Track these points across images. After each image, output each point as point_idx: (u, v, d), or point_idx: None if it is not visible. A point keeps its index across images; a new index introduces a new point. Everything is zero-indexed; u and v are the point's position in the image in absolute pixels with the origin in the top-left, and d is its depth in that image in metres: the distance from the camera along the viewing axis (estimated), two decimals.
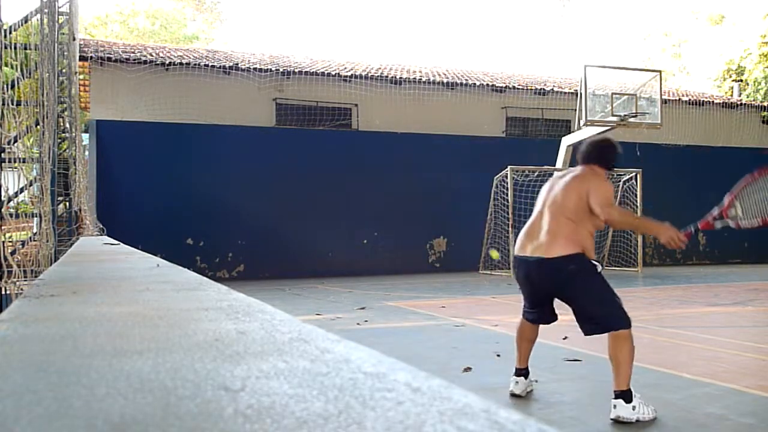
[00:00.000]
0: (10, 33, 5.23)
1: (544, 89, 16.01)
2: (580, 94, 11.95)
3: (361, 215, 13.58)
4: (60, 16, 7.56)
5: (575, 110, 12.47)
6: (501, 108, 15.91)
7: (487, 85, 15.65)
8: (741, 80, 22.80)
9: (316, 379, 0.54)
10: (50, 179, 4.91)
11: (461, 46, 50.52)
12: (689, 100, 17.37)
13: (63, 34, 8.00)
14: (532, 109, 16.01)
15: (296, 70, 14.23)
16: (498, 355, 4.89)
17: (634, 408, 3.26)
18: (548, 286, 3.58)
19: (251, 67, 13.96)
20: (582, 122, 11.87)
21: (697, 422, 3.25)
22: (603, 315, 3.39)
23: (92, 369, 0.60)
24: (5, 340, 0.77)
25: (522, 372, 3.83)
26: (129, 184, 12.29)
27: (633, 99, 11.93)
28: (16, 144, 5.37)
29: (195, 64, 13.51)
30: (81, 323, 0.89)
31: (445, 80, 15.39)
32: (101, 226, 6.91)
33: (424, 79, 15.14)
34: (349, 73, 14.61)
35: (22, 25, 6.22)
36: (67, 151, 8.64)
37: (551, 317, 3.82)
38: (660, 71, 12.98)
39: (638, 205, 13.63)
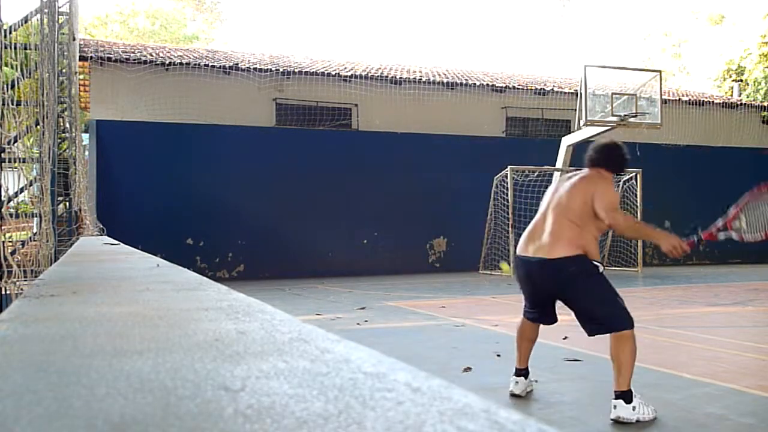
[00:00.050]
0: (10, 33, 5.23)
1: (544, 89, 16.01)
2: (580, 94, 11.95)
3: (361, 215, 13.58)
4: (60, 16, 7.56)
5: (575, 110, 12.47)
6: (501, 108, 15.92)
7: (487, 85, 15.65)
8: (741, 80, 22.80)
9: (316, 379, 0.54)
10: (50, 179, 4.91)
11: (461, 46, 50.55)
12: (689, 100, 17.37)
13: (63, 34, 8.00)
14: (532, 109, 16.01)
15: (296, 70, 14.23)
16: (498, 355, 4.89)
17: (634, 408, 3.26)
18: (550, 287, 3.57)
19: (251, 67, 13.96)
20: (582, 122, 11.87)
21: (697, 422, 3.25)
22: (605, 315, 3.38)
23: (92, 369, 0.60)
24: (5, 340, 0.77)
25: (522, 372, 3.83)
26: (129, 184, 12.29)
27: (633, 99, 11.93)
28: (16, 144, 5.37)
29: (195, 64, 13.51)
30: (81, 323, 0.89)
31: (445, 80, 15.39)
32: (101, 226, 6.91)
33: (424, 79, 15.14)
34: (349, 73, 14.61)
35: (22, 25, 6.22)
36: (67, 151, 8.64)
37: (552, 318, 3.81)
38: (660, 71, 12.98)
39: (638, 205, 13.63)
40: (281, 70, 14.05)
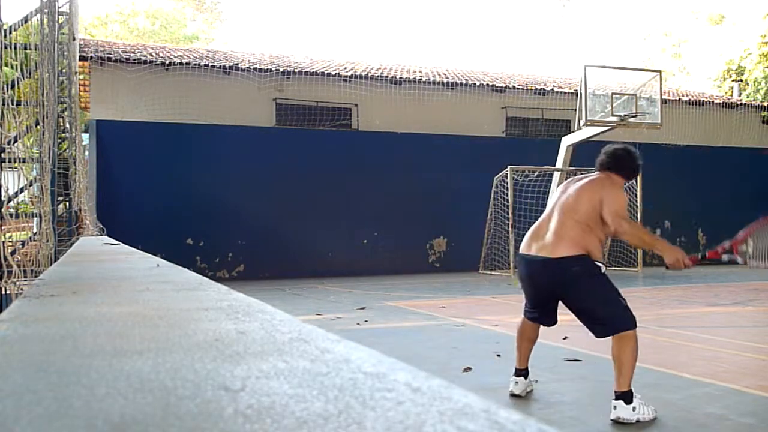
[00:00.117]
0: (10, 33, 5.23)
1: (544, 89, 16.01)
2: (580, 94, 11.94)
3: (361, 215, 13.58)
4: (60, 16, 7.56)
5: (575, 110, 12.46)
6: (501, 108, 15.92)
7: (487, 85, 15.65)
8: (741, 80, 22.80)
9: (316, 379, 0.54)
10: (50, 179, 4.91)
11: (461, 46, 50.55)
12: (689, 100, 17.37)
13: (63, 34, 8.00)
14: (532, 109, 16.00)
15: (296, 70, 14.23)
16: (498, 355, 4.89)
17: (634, 409, 3.26)
18: (552, 287, 3.56)
19: (251, 67, 13.96)
20: (582, 122, 11.86)
21: (697, 422, 3.26)
22: (607, 315, 3.38)
23: (92, 369, 0.60)
24: (5, 340, 0.77)
25: (522, 372, 3.83)
26: (129, 184, 12.29)
27: (633, 99, 11.92)
28: (16, 144, 5.36)
29: (195, 64, 13.51)
30: (81, 323, 0.89)
31: (445, 80, 15.39)
32: (101, 226, 6.90)
33: (424, 79, 15.14)
34: (349, 73, 14.61)
35: (22, 25, 6.22)
36: (67, 151, 8.64)
37: (552, 319, 3.80)
38: (660, 71, 12.97)
39: (638, 205, 13.63)
40: (281, 70, 14.05)
